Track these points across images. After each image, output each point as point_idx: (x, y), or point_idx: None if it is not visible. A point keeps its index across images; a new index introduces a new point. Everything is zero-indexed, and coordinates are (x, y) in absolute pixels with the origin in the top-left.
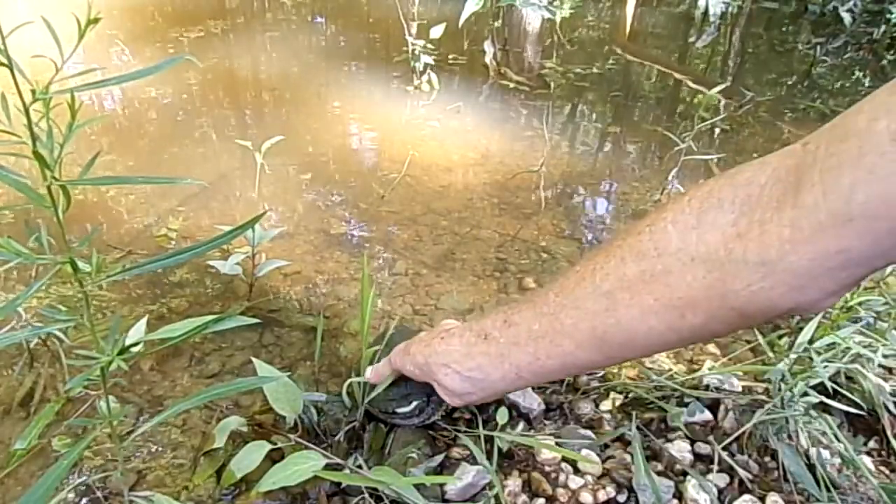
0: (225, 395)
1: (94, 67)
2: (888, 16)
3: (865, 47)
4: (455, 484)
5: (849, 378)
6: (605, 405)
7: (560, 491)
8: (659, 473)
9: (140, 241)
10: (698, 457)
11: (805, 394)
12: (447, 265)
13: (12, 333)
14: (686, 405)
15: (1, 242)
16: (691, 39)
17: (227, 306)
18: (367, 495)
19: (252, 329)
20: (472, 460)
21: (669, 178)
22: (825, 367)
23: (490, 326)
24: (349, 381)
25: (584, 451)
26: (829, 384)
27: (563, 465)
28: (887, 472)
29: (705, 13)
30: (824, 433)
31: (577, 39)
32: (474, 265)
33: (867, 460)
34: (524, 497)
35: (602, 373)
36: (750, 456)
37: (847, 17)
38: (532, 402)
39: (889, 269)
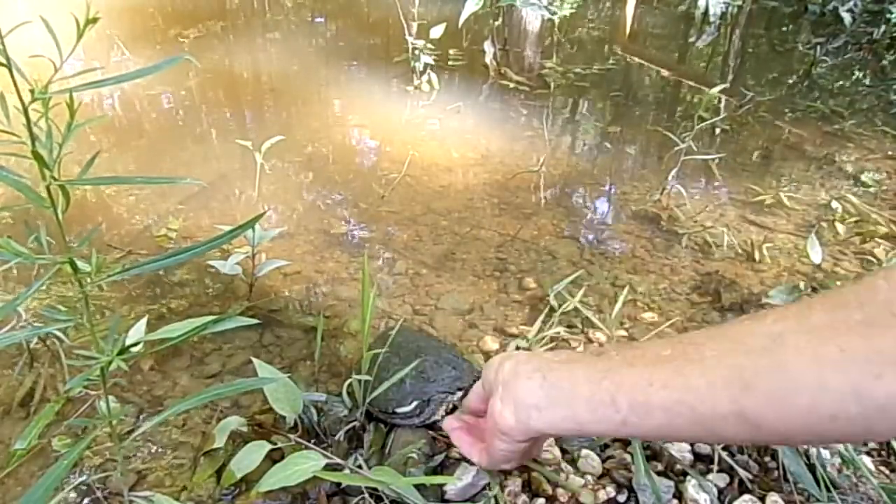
0: (225, 395)
1: (94, 67)
2: (888, 16)
3: (865, 47)
4: (455, 484)
5: None
6: None
7: (560, 491)
8: (659, 473)
9: (140, 241)
10: (698, 457)
11: None
12: (447, 265)
13: (12, 333)
14: None
15: (1, 242)
16: (691, 39)
17: (227, 306)
18: (367, 495)
19: (252, 329)
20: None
21: (669, 178)
22: None
23: (611, 347)
24: (349, 380)
25: (584, 451)
26: None
27: (563, 465)
28: (887, 472)
29: (705, 13)
30: None
31: (577, 39)
32: (474, 265)
33: (867, 460)
34: (524, 497)
35: None
36: (750, 456)
37: (847, 17)
38: None
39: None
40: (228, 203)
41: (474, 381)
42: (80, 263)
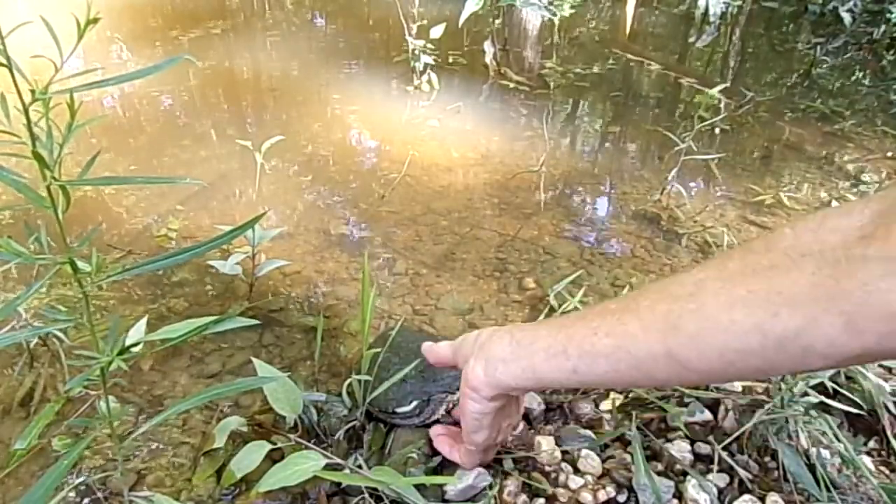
0: (225, 395)
1: (94, 67)
2: (888, 16)
3: (865, 47)
4: (455, 484)
5: (849, 378)
6: (605, 405)
7: (560, 491)
8: (659, 473)
9: (140, 241)
10: (698, 457)
11: (805, 394)
12: (447, 265)
13: (12, 333)
14: (686, 405)
15: (1, 243)
16: (691, 39)
17: (227, 306)
18: (367, 495)
19: (252, 329)
20: None
21: (669, 177)
22: None
23: (573, 313)
24: (349, 380)
25: (584, 451)
26: (829, 384)
27: (563, 465)
28: (887, 472)
29: (705, 13)
30: (824, 433)
31: (577, 39)
32: (474, 265)
33: (867, 460)
34: (524, 497)
35: None
36: (750, 456)
37: (847, 17)
38: (532, 401)
39: None
40: (228, 203)
41: None
42: (80, 263)
